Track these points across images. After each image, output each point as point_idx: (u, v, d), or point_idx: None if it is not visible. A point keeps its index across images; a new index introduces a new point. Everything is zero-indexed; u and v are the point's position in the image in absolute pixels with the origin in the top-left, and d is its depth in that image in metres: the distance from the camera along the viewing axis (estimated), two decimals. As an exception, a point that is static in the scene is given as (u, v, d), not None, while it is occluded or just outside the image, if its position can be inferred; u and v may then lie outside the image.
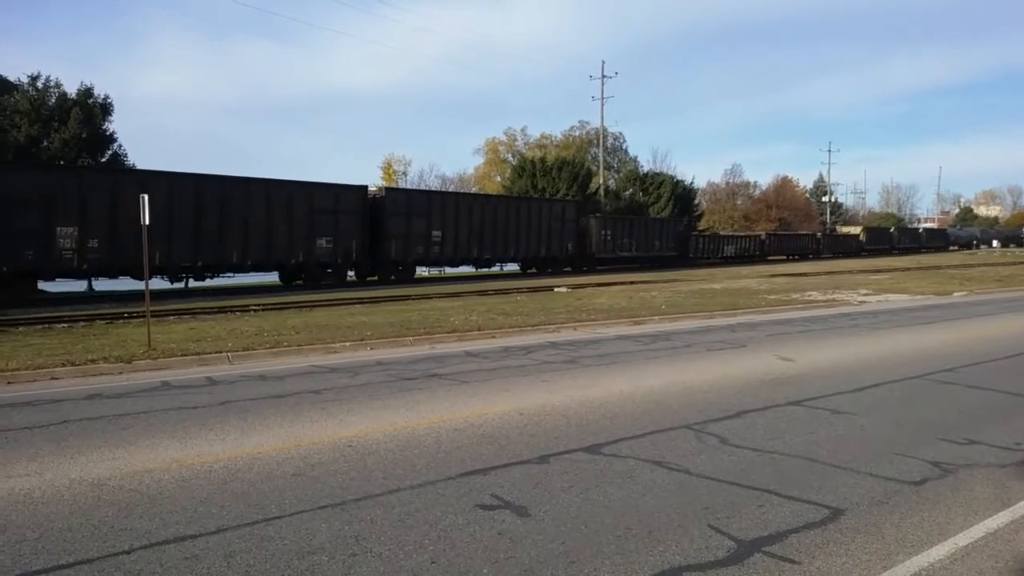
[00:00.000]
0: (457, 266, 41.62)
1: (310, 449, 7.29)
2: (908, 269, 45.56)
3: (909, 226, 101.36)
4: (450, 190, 40.36)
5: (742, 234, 69.96)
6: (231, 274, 32.33)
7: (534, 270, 45.43)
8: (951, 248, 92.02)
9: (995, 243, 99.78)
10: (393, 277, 36.49)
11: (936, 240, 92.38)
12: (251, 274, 33.99)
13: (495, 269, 45.16)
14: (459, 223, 39.38)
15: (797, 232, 79.32)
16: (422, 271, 42.35)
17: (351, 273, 36.69)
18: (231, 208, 30.59)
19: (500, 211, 42.27)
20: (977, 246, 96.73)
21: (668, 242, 54.98)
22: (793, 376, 11.12)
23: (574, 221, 47.02)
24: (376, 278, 36.65)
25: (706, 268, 51.98)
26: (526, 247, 43.60)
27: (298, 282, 33.86)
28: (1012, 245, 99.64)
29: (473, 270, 42.76)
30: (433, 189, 39.52)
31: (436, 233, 38.36)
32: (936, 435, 7.80)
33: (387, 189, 37.89)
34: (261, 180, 32.85)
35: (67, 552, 4.95)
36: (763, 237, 68.66)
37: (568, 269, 46.77)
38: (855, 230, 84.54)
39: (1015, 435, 7.83)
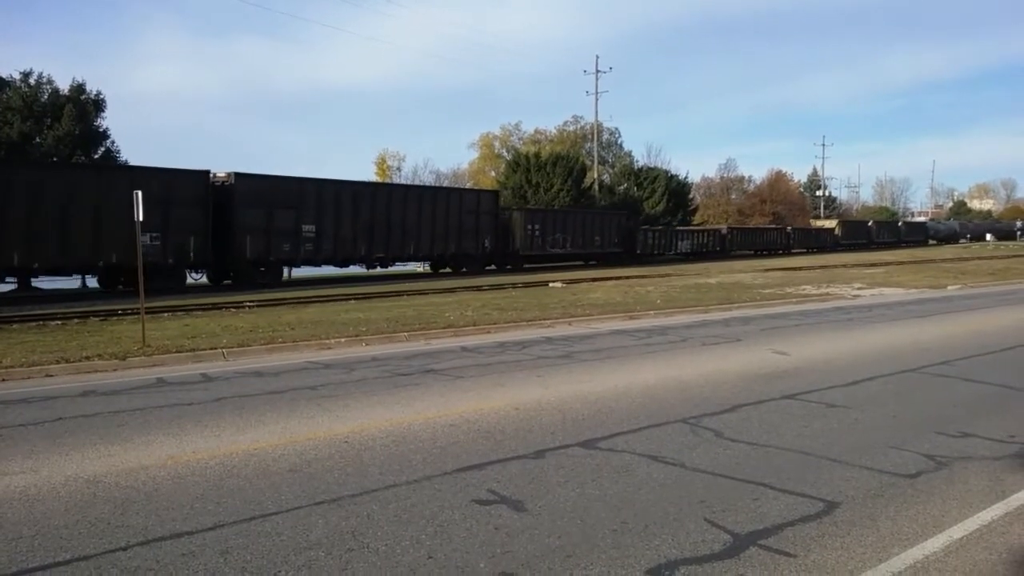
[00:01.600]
0: (344, 266, 36.17)
1: (306, 445, 7.29)
2: (902, 263, 45.65)
3: (888, 220, 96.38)
4: (330, 177, 34.86)
5: (699, 228, 64.75)
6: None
7: (449, 270, 40.68)
8: (931, 242, 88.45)
9: (989, 236, 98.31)
10: (262, 280, 30.97)
11: (915, 234, 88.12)
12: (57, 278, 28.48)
13: (398, 268, 39.77)
14: (341, 216, 33.94)
15: (763, 226, 74.66)
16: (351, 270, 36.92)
17: (198, 276, 31.46)
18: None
19: (396, 203, 36.83)
20: (956, 240, 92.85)
21: (612, 237, 50.46)
22: (788, 370, 11.15)
23: (492, 214, 41.96)
24: (230, 281, 31.55)
25: (654, 267, 46.22)
26: (430, 244, 38.30)
27: (120, 287, 27.92)
28: (991, 238, 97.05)
29: (364, 270, 37.14)
30: (307, 177, 33.66)
31: (308, 227, 32.86)
32: (931, 428, 7.83)
33: (239, 175, 30.88)
34: (68, 165, 29.00)
35: (64, 549, 4.94)
36: (724, 231, 63.77)
37: (492, 268, 42.52)
38: (830, 224, 79.19)
39: (1009, 428, 7.86)
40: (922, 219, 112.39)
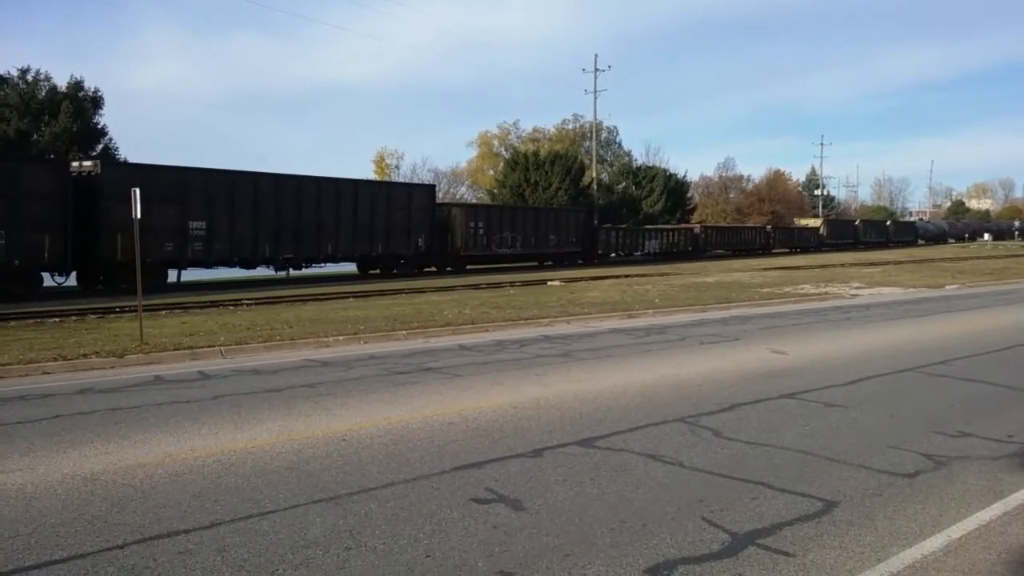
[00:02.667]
0: (250, 268, 32.48)
1: (304, 443, 7.28)
2: (900, 262, 45.67)
3: (876, 219, 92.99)
4: (224, 168, 31.28)
5: (669, 227, 60.53)
6: None
7: (377, 271, 37.08)
8: (919, 242, 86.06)
9: (987, 236, 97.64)
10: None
11: (904, 234, 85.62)
12: None
13: (319, 270, 35.88)
14: (238, 212, 30.22)
15: (740, 225, 71.76)
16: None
17: (62, 280, 27.45)
18: None
19: (308, 197, 32.93)
20: (945, 240, 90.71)
21: (569, 236, 47.05)
22: (786, 369, 11.14)
23: (427, 211, 38.22)
24: (102, 287, 27.67)
25: (616, 267, 44.06)
26: (351, 244, 34.57)
27: None
28: (979, 238, 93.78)
29: (272, 272, 33.77)
30: (193, 166, 29.92)
31: (197, 224, 29.08)
32: (929, 428, 7.82)
33: (106, 164, 27.82)
34: None
35: (60, 547, 4.93)
36: (697, 230, 60.32)
37: (432, 269, 39.40)
38: (814, 223, 75.91)
39: (1008, 427, 7.86)
40: (913, 219, 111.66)
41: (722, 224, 69.37)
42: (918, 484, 6.13)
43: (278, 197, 31.90)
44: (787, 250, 65.30)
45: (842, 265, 42.63)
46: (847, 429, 7.80)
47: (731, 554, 4.78)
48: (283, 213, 31.92)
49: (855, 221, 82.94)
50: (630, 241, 53.20)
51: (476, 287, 28.25)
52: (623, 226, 56.93)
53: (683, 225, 63.18)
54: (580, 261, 47.38)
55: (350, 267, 37.86)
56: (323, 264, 35.51)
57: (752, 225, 70.94)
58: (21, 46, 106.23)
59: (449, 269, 39.72)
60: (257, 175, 32.11)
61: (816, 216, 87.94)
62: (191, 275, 31.21)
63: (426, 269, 39.06)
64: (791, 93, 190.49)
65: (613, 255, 51.68)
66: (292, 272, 34.21)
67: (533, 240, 44.45)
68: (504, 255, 43.22)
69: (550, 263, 45.62)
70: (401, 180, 76.53)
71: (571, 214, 49.72)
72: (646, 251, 53.85)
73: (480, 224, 41.19)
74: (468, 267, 41.01)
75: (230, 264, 31.61)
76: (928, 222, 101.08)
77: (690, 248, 56.90)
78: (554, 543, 4.94)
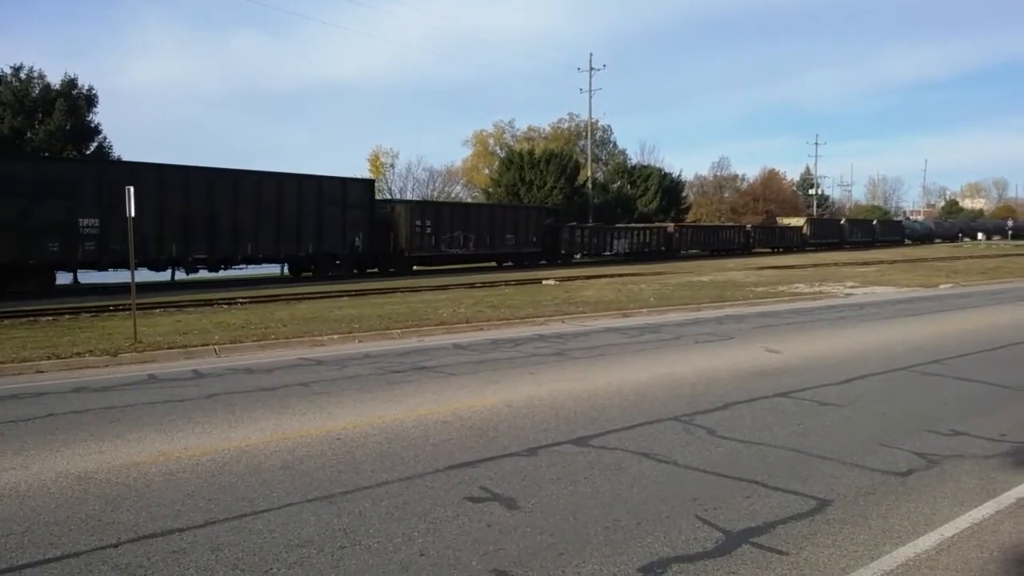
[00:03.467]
0: (157, 270, 29.63)
1: (298, 442, 7.27)
2: (894, 262, 45.79)
3: (861, 219, 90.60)
4: (127, 159, 29.66)
5: (640, 226, 57.12)
6: None
7: (310, 273, 34.63)
8: (906, 242, 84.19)
9: (981, 235, 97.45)
10: (16, 288, 25.05)
11: (891, 233, 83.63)
12: None
13: (239, 272, 32.78)
14: (140, 208, 26.50)
15: (718, 224, 69.26)
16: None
17: None
18: None
19: (223, 192, 29.94)
20: (932, 239, 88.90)
21: (528, 235, 44.23)
22: (780, 368, 11.17)
23: (365, 207, 35.36)
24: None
25: (577, 267, 42.23)
26: (275, 243, 31.77)
27: None
28: (967, 239, 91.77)
29: (185, 274, 30.84)
30: (86, 159, 28.13)
31: (89, 222, 26.47)
32: (922, 426, 7.85)
33: None
34: None
35: (54, 546, 4.92)
36: (670, 229, 57.18)
37: (375, 271, 36.82)
38: (797, 222, 73.39)
39: (1001, 426, 7.89)
40: (917, 218, 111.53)
41: (697, 223, 66.84)
42: (911, 483, 6.15)
43: (188, 191, 28.98)
44: (768, 250, 63.64)
45: (836, 264, 42.72)
46: (841, 428, 7.82)
47: (725, 552, 4.79)
48: (193, 209, 29.09)
49: (840, 220, 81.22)
50: (597, 241, 50.40)
51: (471, 286, 28.23)
52: (589, 224, 54.69)
53: (655, 224, 59.95)
54: (543, 262, 45.02)
55: (279, 269, 35.38)
56: (243, 266, 32.47)
57: (730, 224, 68.71)
58: (14, 44, 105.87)
59: (393, 270, 36.86)
60: (161, 167, 29.26)
61: (810, 215, 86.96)
62: (112, 277, 28.56)
63: (368, 271, 36.52)
64: (786, 92, 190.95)
65: (578, 256, 49.40)
66: (208, 274, 31.62)
67: (488, 240, 41.78)
68: (455, 256, 40.44)
69: (510, 264, 43.46)
70: (398, 178, 76.48)
71: (530, 212, 47.47)
72: (615, 251, 51.35)
73: (427, 222, 38.38)
74: (415, 268, 38.45)
75: (125, 265, 25.20)
76: (915, 221, 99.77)
77: (663, 248, 54.74)
78: (548, 542, 4.94)
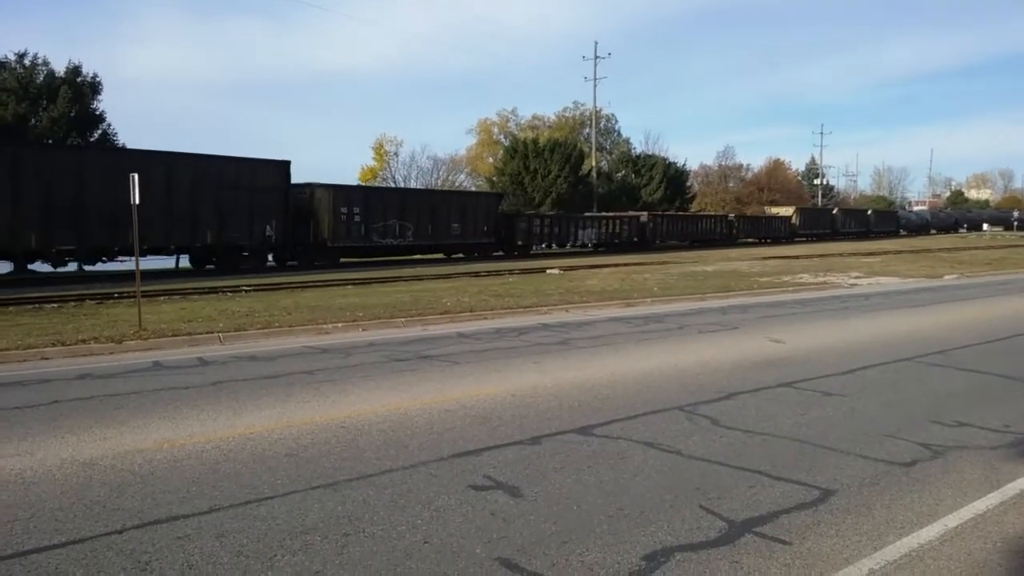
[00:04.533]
0: (9, 260, 26.56)
1: (302, 430, 7.29)
2: (899, 252, 45.71)
3: (856, 208, 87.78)
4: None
5: (611, 215, 52.57)
6: None
7: (212, 266, 30.79)
8: (901, 233, 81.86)
9: (986, 226, 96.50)
10: None
11: (885, 224, 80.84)
12: None
13: (121, 266, 28.47)
14: None
15: (698, 213, 65.11)
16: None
17: None
18: None
19: (96, 174, 26.29)
20: (928, 230, 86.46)
21: (478, 225, 40.37)
22: (784, 358, 11.16)
23: (277, 192, 31.51)
24: None
25: (532, 260, 38.70)
26: (165, 233, 28.12)
27: None
28: (962, 230, 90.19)
29: (52, 268, 27.31)
30: None
31: None
32: (927, 417, 7.84)
33: None
34: None
35: (59, 532, 4.94)
36: (644, 219, 52.77)
37: (293, 263, 33.57)
38: (785, 211, 69.17)
39: (1005, 417, 7.88)
40: (921, 208, 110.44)
41: (676, 212, 61.57)
42: (915, 473, 6.15)
43: (52, 174, 25.73)
44: (755, 240, 60.92)
45: (841, 255, 42.64)
46: (845, 418, 7.81)
47: (728, 542, 4.79)
48: (55, 193, 25.67)
49: (832, 210, 78.19)
50: (559, 231, 46.18)
51: (476, 275, 28.23)
52: (550, 213, 50.57)
53: (627, 213, 55.63)
54: (500, 253, 41.75)
55: (182, 261, 31.44)
56: (123, 258, 28.31)
57: (710, 213, 64.87)
58: (19, 30, 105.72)
59: (318, 264, 33.04)
60: (17, 146, 26.85)
61: (804, 205, 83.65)
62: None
63: (289, 264, 33.48)
64: (792, 82, 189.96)
65: (541, 246, 46.05)
66: (85, 269, 28.25)
67: (430, 229, 38.10)
68: (390, 247, 36.78)
69: (461, 255, 40.30)
70: (402, 167, 76.00)
71: (480, 199, 43.83)
72: (580, 243, 47.57)
73: (355, 210, 34.70)
74: (344, 261, 34.80)
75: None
76: (911, 212, 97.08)
77: (635, 239, 50.84)
78: (552, 530, 4.95)
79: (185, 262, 31.37)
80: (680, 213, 61.35)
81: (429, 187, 69.10)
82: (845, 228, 73.08)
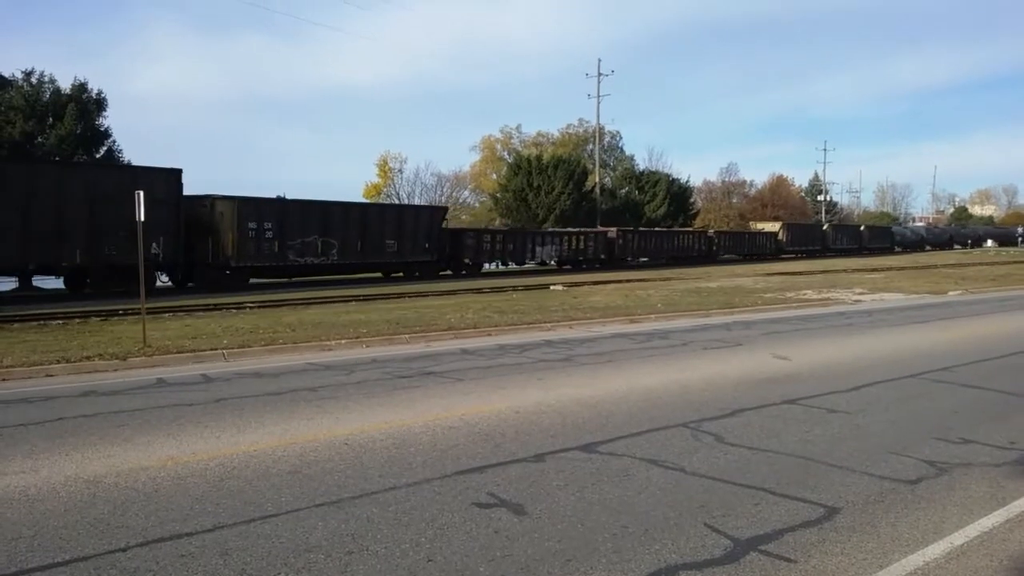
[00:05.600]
0: None
1: (306, 447, 7.29)
2: (903, 268, 45.66)
3: (848, 224, 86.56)
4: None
5: (575, 230, 48.88)
6: None
7: (90, 291, 26.54)
8: (896, 249, 79.56)
9: (990, 242, 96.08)
10: None
11: (879, 240, 78.86)
12: None
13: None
14: None
15: (673, 229, 60.28)
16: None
17: None
18: None
19: None
20: (923, 247, 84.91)
21: (417, 241, 36.67)
22: (789, 375, 11.14)
23: (167, 204, 27.37)
24: None
25: (482, 280, 35.71)
26: (19, 250, 24.82)
27: None
28: (957, 246, 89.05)
29: None
30: None
31: None
32: (931, 434, 7.81)
33: None
34: None
35: (63, 549, 4.93)
36: (612, 235, 49.03)
37: (190, 285, 29.73)
38: (772, 227, 66.53)
39: (1010, 434, 7.85)
40: (922, 224, 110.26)
41: (647, 228, 58.15)
42: (920, 491, 6.12)
43: None
44: (738, 257, 58.62)
45: (844, 271, 42.61)
46: (849, 435, 7.79)
47: (733, 560, 4.78)
48: None
49: (823, 226, 76.16)
50: (514, 247, 42.52)
51: (479, 291, 28.24)
52: (503, 229, 47.99)
53: (592, 228, 52.64)
54: (448, 272, 38.95)
55: (54, 283, 28.70)
56: None
57: (690, 230, 61.46)
58: (25, 48, 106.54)
59: (220, 286, 28.80)
60: None
61: (789, 220, 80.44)
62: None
63: (187, 285, 29.75)
64: (795, 98, 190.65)
65: (492, 265, 42.94)
66: None
67: (359, 246, 34.28)
68: (310, 266, 32.97)
69: (401, 274, 37.02)
70: (406, 183, 76.00)
71: (420, 212, 39.47)
72: (539, 260, 44.28)
73: (267, 225, 30.70)
74: (255, 281, 31.20)
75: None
76: (906, 228, 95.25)
77: (603, 256, 47.57)
78: (556, 548, 4.94)
79: (58, 284, 28.28)
80: (654, 229, 57.76)
81: (425, 203, 68.96)
82: (837, 244, 71.14)
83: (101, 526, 5.32)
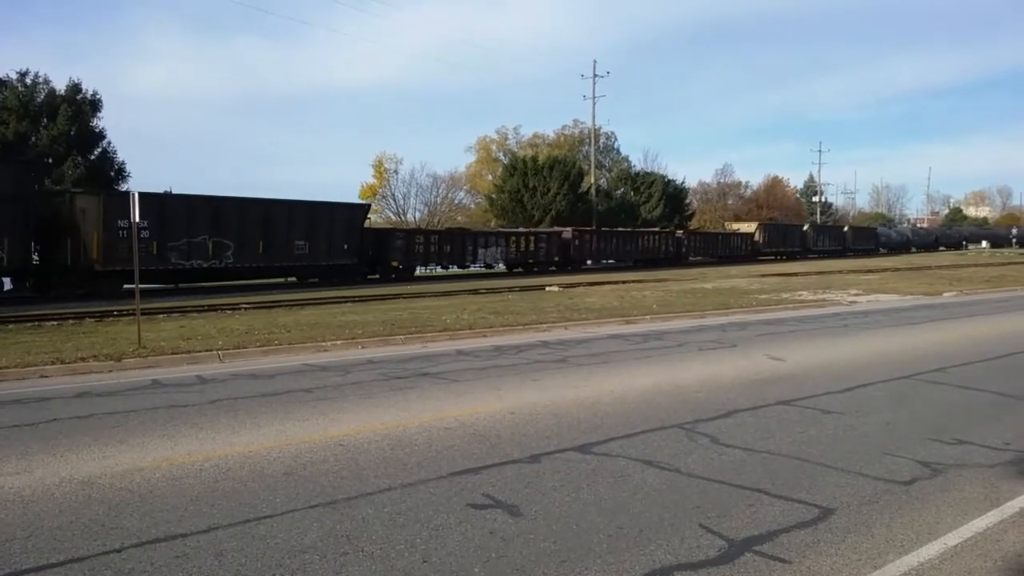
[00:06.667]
0: None
1: (301, 448, 7.28)
2: (898, 269, 45.75)
3: (831, 225, 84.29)
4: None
5: (525, 231, 45.79)
6: None
7: None
8: (880, 251, 77.81)
9: (984, 243, 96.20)
10: None
11: (863, 242, 76.56)
12: None
13: None
14: None
15: (636, 230, 55.64)
16: None
17: None
18: None
19: None
20: (908, 248, 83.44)
21: (335, 243, 33.34)
22: (783, 376, 11.15)
23: (15, 201, 24.34)
24: None
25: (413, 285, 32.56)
26: None
27: None
28: (943, 248, 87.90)
29: None
30: None
31: None
32: (926, 435, 7.83)
33: None
34: None
35: (57, 551, 4.92)
36: (567, 236, 45.58)
37: (53, 293, 26.20)
38: (747, 228, 63.48)
39: (1004, 435, 7.87)
40: (921, 226, 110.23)
41: (608, 229, 53.99)
42: (915, 491, 6.14)
43: None
44: (712, 259, 55.99)
45: (839, 272, 42.69)
46: (844, 436, 7.80)
47: (728, 561, 4.78)
48: None
49: (803, 226, 73.41)
50: (451, 249, 39.07)
51: (475, 292, 28.22)
52: (439, 229, 44.57)
53: (547, 229, 49.20)
54: (375, 277, 36.04)
55: None
56: None
57: (656, 230, 57.19)
58: (20, 49, 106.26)
59: (81, 293, 25.70)
60: None
61: (766, 221, 77.30)
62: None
63: (47, 294, 26.47)
64: (790, 99, 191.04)
65: (427, 269, 39.86)
66: None
67: (261, 247, 30.79)
68: (199, 271, 29.34)
69: (316, 279, 33.58)
70: (401, 184, 75.76)
71: (336, 210, 34.62)
72: (483, 263, 40.92)
73: (142, 222, 23.40)
74: (128, 287, 25.69)
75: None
76: (891, 229, 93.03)
77: (556, 259, 44.48)
78: (551, 549, 4.94)
79: None
80: (616, 229, 53.85)
81: (428, 205, 68.95)
82: (818, 246, 68.48)
83: (95, 527, 5.31)
